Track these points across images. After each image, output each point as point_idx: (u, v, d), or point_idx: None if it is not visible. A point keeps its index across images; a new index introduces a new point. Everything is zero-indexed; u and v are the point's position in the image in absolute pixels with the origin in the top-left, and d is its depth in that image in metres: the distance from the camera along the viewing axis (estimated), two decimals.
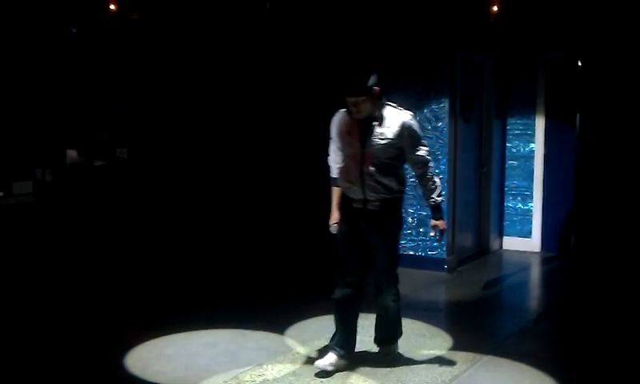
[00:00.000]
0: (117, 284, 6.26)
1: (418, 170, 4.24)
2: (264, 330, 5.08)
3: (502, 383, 4.13)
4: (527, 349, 4.79)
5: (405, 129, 4.05)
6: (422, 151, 4.18)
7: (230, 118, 7.69)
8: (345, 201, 4.21)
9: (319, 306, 5.50)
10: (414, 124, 4.13)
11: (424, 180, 4.25)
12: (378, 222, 4.10)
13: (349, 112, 4.08)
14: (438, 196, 4.28)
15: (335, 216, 4.28)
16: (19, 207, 5.75)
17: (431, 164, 4.28)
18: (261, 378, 4.16)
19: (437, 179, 4.32)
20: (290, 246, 7.76)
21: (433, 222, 4.37)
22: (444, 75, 7.05)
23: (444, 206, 7.00)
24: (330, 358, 4.21)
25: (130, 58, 6.66)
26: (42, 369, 4.36)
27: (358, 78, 4.02)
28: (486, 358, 4.54)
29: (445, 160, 7.10)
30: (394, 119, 4.05)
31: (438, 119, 7.10)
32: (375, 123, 4.03)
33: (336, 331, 4.31)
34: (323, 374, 4.16)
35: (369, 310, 4.45)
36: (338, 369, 4.20)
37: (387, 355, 4.44)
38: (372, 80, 4.00)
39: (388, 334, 4.44)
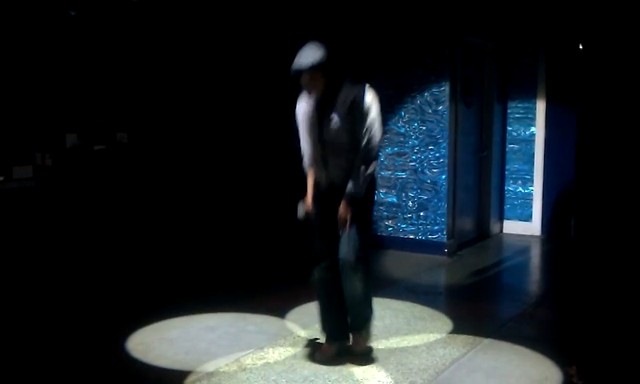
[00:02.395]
0: (118, 269, 6.27)
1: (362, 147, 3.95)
2: (265, 314, 5.10)
3: (502, 366, 4.14)
4: (527, 332, 4.80)
5: (354, 105, 3.89)
6: (378, 134, 3.96)
7: (230, 102, 7.67)
8: (316, 184, 4.17)
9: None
10: (367, 100, 3.92)
11: (360, 160, 3.94)
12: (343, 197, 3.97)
13: (303, 87, 4.01)
14: (354, 187, 3.94)
15: (308, 200, 4.21)
16: (19, 192, 5.75)
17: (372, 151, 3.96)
18: (262, 362, 4.18)
19: (370, 169, 3.96)
20: (290, 230, 7.76)
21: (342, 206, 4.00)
22: (445, 59, 7.02)
23: (444, 190, 7.11)
24: (329, 350, 4.18)
25: (130, 41, 6.63)
26: (44, 353, 4.38)
27: (307, 52, 3.90)
28: (486, 342, 4.56)
29: (445, 144, 7.09)
30: (344, 98, 3.92)
31: (438, 103, 7.09)
32: (329, 105, 3.94)
33: (324, 320, 4.22)
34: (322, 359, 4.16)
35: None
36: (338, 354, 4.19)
37: (357, 347, 4.18)
38: (321, 55, 3.88)
39: (355, 319, 4.17)
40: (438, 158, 7.13)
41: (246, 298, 5.52)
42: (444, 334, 4.70)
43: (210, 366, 4.10)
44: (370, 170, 3.95)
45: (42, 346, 4.50)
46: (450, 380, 3.94)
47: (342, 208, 3.96)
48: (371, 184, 4.07)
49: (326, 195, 4.09)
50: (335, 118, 3.93)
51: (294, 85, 4.14)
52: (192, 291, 5.83)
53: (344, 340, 4.22)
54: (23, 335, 4.71)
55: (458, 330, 4.80)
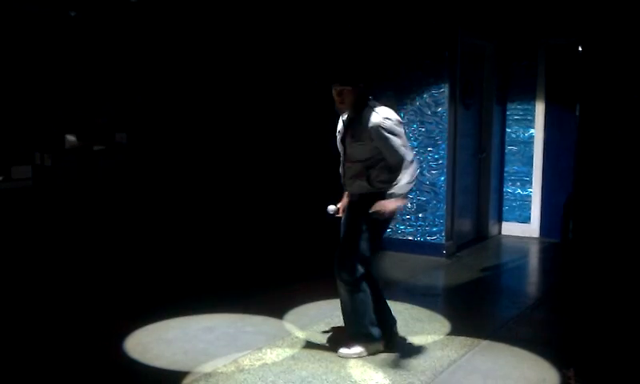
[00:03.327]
0: (116, 269, 6.27)
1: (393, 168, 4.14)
2: (263, 315, 5.10)
3: (500, 368, 4.14)
4: (525, 334, 4.81)
5: (374, 129, 4.07)
6: (399, 152, 4.09)
7: (229, 102, 7.67)
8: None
9: (318, 291, 5.53)
10: (386, 126, 4.07)
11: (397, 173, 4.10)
12: (354, 212, 4.23)
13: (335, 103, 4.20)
14: (398, 189, 4.04)
15: (342, 204, 4.42)
16: (18, 191, 5.76)
17: (410, 164, 4.11)
18: (260, 362, 4.18)
19: (406, 178, 4.06)
20: (288, 231, 7.77)
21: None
22: (444, 60, 7.03)
23: (443, 191, 7.11)
24: (356, 349, 4.26)
25: (130, 42, 6.63)
26: (42, 353, 4.38)
27: (346, 66, 4.15)
28: (484, 343, 4.56)
29: (444, 145, 7.09)
30: (367, 121, 4.09)
31: (437, 104, 7.09)
32: (354, 124, 4.17)
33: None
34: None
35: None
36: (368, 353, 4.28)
37: (349, 348, 4.26)
38: (359, 74, 4.16)
39: (347, 327, 4.33)
40: (437, 160, 7.13)
41: (244, 298, 5.52)
42: (442, 336, 4.70)
43: (207, 367, 4.10)
44: (406, 180, 4.05)
45: (41, 345, 4.50)
46: (447, 381, 3.95)
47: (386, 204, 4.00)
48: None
49: (348, 204, 4.35)
50: (355, 141, 4.15)
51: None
52: (190, 292, 5.83)
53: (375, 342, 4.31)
54: (22, 335, 4.70)
55: (456, 331, 4.80)
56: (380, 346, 4.29)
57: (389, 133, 4.08)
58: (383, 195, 4.06)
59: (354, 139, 4.16)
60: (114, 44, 6.48)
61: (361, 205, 4.15)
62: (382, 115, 4.10)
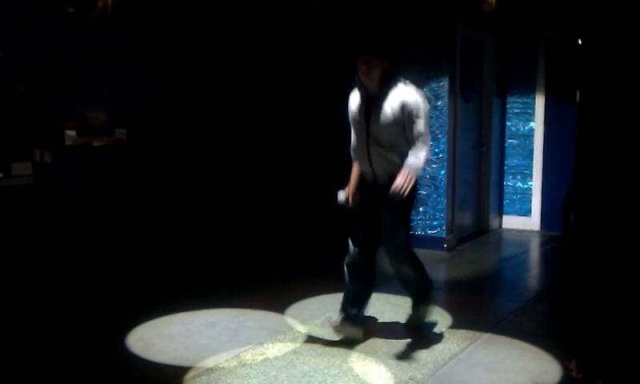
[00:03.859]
0: (117, 265, 6.27)
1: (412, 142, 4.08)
2: (264, 310, 5.10)
3: (502, 361, 4.15)
4: (526, 326, 4.81)
5: (407, 106, 4.01)
6: (419, 127, 4.03)
7: (229, 95, 7.66)
8: (360, 175, 4.31)
9: (319, 285, 5.53)
10: (416, 101, 4.02)
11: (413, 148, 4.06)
12: (386, 188, 4.01)
13: (358, 74, 4.08)
14: (415, 162, 3.99)
15: (350, 189, 4.31)
16: (18, 188, 5.75)
17: (424, 145, 4.04)
18: (262, 357, 4.18)
19: (423, 154, 4.01)
20: (290, 225, 7.77)
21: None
22: (444, 54, 7.02)
23: (443, 185, 7.10)
24: (331, 322, 4.42)
25: (129, 38, 6.62)
26: (44, 349, 4.39)
27: (373, 35, 4.07)
28: (486, 336, 4.56)
29: (444, 139, 7.09)
30: (396, 97, 4.03)
31: (437, 98, 7.08)
32: (379, 101, 4.05)
33: (344, 299, 4.47)
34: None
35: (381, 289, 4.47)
36: (343, 335, 4.36)
37: (414, 320, 4.57)
38: (388, 44, 4.07)
39: (415, 297, 4.57)
40: (438, 154, 7.13)
41: (245, 293, 5.52)
42: (443, 329, 4.71)
43: (209, 362, 4.10)
44: (423, 157, 4.01)
45: (42, 342, 4.51)
46: (449, 375, 3.95)
47: (403, 177, 3.88)
48: (414, 184, 4.05)
49: (370, 188, 4.25)
50: (384, 116, 4.03)
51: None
52: (192, 287, 5.83)
53: (358, 323, 4.42)
54: (23, 332, 4.71)
55: (457, 324, 4.80)
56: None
57: (422, 112, 4.03)
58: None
59: (384, 118, 4.03)
60: (113, 41, 6.47)
61: (391, 182, 3.98)
62: (416, 92, 4.07)
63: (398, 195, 3.87)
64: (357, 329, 4.40)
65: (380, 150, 4.10)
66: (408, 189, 3.88)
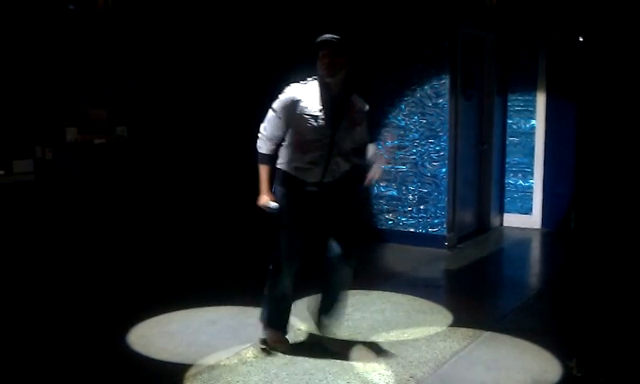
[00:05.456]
0: (118, 262, 6.28)
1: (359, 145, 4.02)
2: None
3: (502, 359, 4.15)
4: (527, 325, 4.81)
5: (363, 116, 4.00)
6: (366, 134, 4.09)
7: (230, 93, 7.66)
8: (293, 182, 3.95)
9: (319, 283, 5.52)
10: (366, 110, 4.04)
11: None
12: (336, 198, 3.99)
13: (320, 70, 3.80)
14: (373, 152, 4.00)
15: (268, 195, 3.97)
16: (19, 186, 5.76)
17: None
18: (262, 355, 4.18)
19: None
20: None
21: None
22: (445, 52, 7.01)
23: (444, 183, 7.10)
24: (277, 337, 4.27)
25: (130, 35, 6.62)
26: (45, 347, 4.39)
27: (340, 35, 3.79)
28: (487, 334, 4.57)
29: (445, 137, 7.08)
30: (360, 105, 3.99)
31: (438, 96, 7.08)
32: (346, 105, 3.87)
33: (271, 312, 4.26)
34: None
35: (370, 287, 4.47)
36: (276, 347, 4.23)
37: (325, 327, 4.25)
38: (356, 50, 3.97)
39: (335, 306, 4.20)
40: (439, 151, 7.13)
41: (246, 291, 5.51)
42: (444, 327, 4.71)
43: (210, 359, 4.11)
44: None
45: (43, 339, 4.51)
46: (450, 373, 3.95)
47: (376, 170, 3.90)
48: (357, 180, 4.01)
49: (310, 194, 3.94)
50: (350, 126, 3.90)
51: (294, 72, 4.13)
52: (193, 284, 5.84)
53: (285, 330, 4.30)
54: (24, 329, 4.71)
55: (458, 322, 4.80)
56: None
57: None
58: (355, 172, 4.01)
59: (354, 123, 3.91)
60: (114, 38, 6.47)
61: (343, 185, 3.98)
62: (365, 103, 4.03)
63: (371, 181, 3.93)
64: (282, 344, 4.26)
65: (340, 156, 3.92)
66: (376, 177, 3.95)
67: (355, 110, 3.94)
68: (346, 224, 4.06)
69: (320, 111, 3.81)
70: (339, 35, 3.81)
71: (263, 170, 3.99)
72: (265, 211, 4.01)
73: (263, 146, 3.99)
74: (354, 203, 4.06)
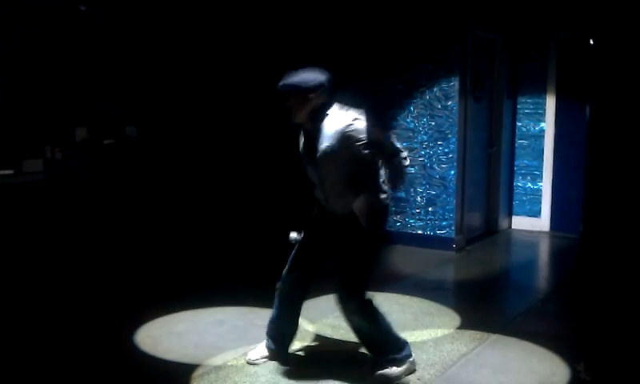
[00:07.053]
0: (126, 262, 6.30)
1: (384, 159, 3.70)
2: (272, 308, 5.09)
3: (510, 362, 4.14)
4: (535, 328, 4.79)
5: (345, 134, 3.54)
6: (380, 144, 3.63)
7: (240, 93, 7.67)
8: (317, 207, 3.97)
9: (327, 284, 5.51)
10: (353, 127, 3.55)
11: (389, 168, 3.69)
12: (343, 231, 3.74)
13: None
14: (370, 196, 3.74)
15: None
16: (29, 185, 5.78)
17: (402, 152, 3.66)
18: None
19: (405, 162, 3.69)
20: (297, 222, 7.76)
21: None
22: (454, 53, 7.00)
23: (452, 185, 7.09)
24: (262, 352, 4.10)
25: (139, 35, 6.64)
26: (53, 346, 4.41)
27: (288, 74, 3.65)
28: (494, 337, 4.55)
29: (454, 139, 7.07)
30: (331, 128, 3.58)
31: (447, 98, 7.07)
32: (314, 138, 3.65)
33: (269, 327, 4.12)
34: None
35: (377, 289, 4.46)
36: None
37: (384, 380, 3.82)
38: (307, 80, 3.61)
39: (376, 355, 3.91)
40: (447, 154, 7.12)
41: (253, 291, 5.52)
42: (452, 330, 4.70)
43: (218, 360, 4.12)
44: (399, 163, 3.62)
45: (51, 338, 4.53)
46: (457, 375, 3.94)
47: (361, 203, 3.62)
48: (380, 216, 3.82)
49: (328, 220, 3.86)
50: (321, 154, 3.61)
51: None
52: (200, 285, 5.85)
53: (282, 351, 4.10)
54: (33, 327, 4.73)
55: (465, 325, 4.79)
56: (412, 364, 3.91)
57: (365, 130, 3.57)
58: (378, 208, 3.74)
59: (322, 156, 3.60)
60: (124, 38, 6.49)
61: (349, 224, 3.67)
62: (345, 118, 3.59)
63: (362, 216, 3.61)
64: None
65: (335, 188, 3.69)
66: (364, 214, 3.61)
67: (328, 137, 3.59)
68: (346, 263, 3.77)
69: (301, 149, 3.83)
70: (290, 73, 3.67)
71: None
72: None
73: None
74: (359, 244, 3.75)
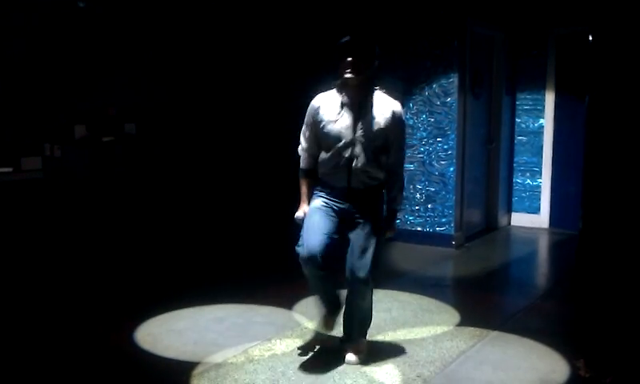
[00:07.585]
0: (126, 260, 6.30)
1: (390, 167, 3.90)
2: (272, 305, 5.11)
3: (510, 359, 4.14)
4: (535, 325, 4.80)
5: (396, 119, 3.77)
6: (403, 152, 3.96)
7: (239, 94, 7.67)
8: (323, 186, 3.94)
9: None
10: (402, 115, 3.84)
11: (394, 178, 3.93)
12: (362, 206, 3.83)
13: (341, 80, 3.76)
14: (399, 205, 4.06)
15: (304, 208, 4.00)
16: (28, 183, 5.78)
17: (401, 177, 3.97)
18: (269, 353, 4.19)
19: (401, 191, 3.98)
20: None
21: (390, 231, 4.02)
22: (453, 50, 7.00)
23: (452, 182, 7.09)
24: (358, 349, 4.06)
25: (138, 32, 6.63)
26: (52, 344, 4.41)
27: (364, 40, 3.73)
28: (494, 334, 4.56)
29: (453, 135, 7.07)
30: (385, 106, 3.76)
31: (447, 94, 7.06)
32: (367, 109, 3.75)
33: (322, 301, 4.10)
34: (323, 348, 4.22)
35: (377, 285, 4.46)
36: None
37: (358, 353, 4.01)
38: (375, 51, 3.79)
39: (358, 327, 4.07)
40: (447, 150, 7.12)
41: (253, 289, 5.53)
42: (451, 327, 4.70)
43: (218, 357, 4.12)
44: (402, 194, 4.01)
45: (50, 337, 4.53)
46: (457, 372, 3.95)
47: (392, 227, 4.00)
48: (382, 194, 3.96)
49: (337, 194, 3.87)
50: (373, 128, 3.73)
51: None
52: (200, 282, 5.85)
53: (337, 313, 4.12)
54: (33, 326, 4.73)
55: (465, 322, 4.80)
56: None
57: (405, 133, 3.94)
58: (380, 188, 3.89)
59: (376, 127, 3.73)
60: (123, 35, 6.48)
61: (369, 197, 3.85)
62: (397, 103, 3.83)
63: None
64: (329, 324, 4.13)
65: (364, 164, 3.76)
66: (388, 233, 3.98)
67: (384, 112, 3.75)
68: (367, 239, 3.83)
69: (338, 114, 3.78)
70: (357, 35, 3.79)
71: (301, 184, 4.09)
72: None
73: (302, 161, 4.07)
74: (380, 220, 3.89)
